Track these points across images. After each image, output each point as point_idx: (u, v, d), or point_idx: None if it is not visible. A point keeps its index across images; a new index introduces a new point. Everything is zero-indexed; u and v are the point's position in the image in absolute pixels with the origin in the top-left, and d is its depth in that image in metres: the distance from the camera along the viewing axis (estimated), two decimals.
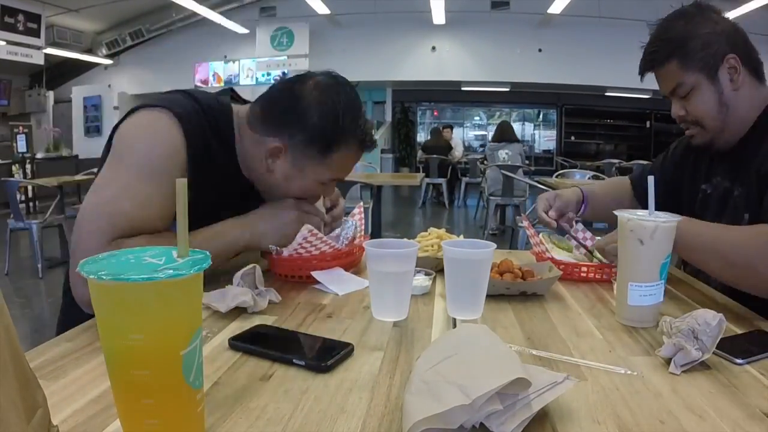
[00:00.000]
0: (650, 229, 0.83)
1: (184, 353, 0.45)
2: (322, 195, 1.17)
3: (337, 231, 1.16)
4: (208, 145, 1.02)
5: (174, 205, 0.97)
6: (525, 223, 1.31)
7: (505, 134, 6.65)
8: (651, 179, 0.93)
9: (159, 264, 0.47)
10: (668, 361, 0.69)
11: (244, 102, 1.20)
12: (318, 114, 1.02)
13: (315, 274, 1.05)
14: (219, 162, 1.05)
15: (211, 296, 0.91)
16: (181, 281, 0.45)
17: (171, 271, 0.45)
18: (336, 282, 1.04)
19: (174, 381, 0.46)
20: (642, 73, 1.18)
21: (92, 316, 0.85)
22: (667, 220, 0.84)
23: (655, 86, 1.16)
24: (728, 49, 1.07)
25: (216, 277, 1.05)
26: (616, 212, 0.90)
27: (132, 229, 0.91)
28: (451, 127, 10.98)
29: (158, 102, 1.01)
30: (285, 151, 1.05)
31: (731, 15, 1.12)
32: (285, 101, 1.05)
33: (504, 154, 6.29)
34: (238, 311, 0.89)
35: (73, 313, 0.97)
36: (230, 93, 1.19)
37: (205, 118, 1.03)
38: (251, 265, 0.96)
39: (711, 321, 0.68)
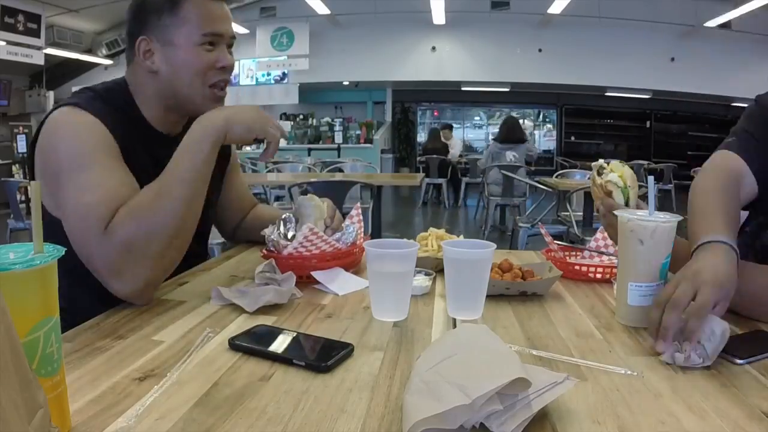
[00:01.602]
0: (650, 229, 0.83)
1: (23, 342, 0.46)
2: (219, 64, 1.09)
3: (338, 235, 1.15)
4: (119, 121, 1.05)
5: (126, 170, 0.97)
6: (542, 231, 1.28)
7: (512, 134, 6.31)
8: (651, 179, 0.92)
9: (8, 258, 0.48)
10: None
11: None
12: None
13: (315, 274, 1.05)
14: (134, 133, 1.08)
15: (232, 293, 0.92)
16: (11, 275, 0.46)
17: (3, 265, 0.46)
18: (336, 282, 1.04)
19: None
20: None
21: (90, 317, 0.86)
22: (667, 220, 0.84)
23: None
24: None
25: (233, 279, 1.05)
26: (616, 212, 0.90)
27: (109, 211, 0.91)
28: (450, 127, 10.99)
29: (59, 104, 1.04)
30: (150, 41, 1.07)
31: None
32: (127, 16, 1.11)
33: (511, 156, 6.13)
34: (239, 311, 0.89)
35: (73, 313, 0.97)
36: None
37: (103, 101, 1.06)
38: (266, 263, 1.01)
39: (716, 329, 0.68)
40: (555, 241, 1.23)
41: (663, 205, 0.94)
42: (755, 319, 0.88)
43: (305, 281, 1.06)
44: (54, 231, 0.96)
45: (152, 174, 0.97)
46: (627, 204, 1.01)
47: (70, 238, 0.94)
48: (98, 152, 0.98)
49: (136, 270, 0.90)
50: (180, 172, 0.95)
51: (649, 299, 0.85)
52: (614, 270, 1.08)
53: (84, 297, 0.97)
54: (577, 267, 1.13)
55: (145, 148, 1.10)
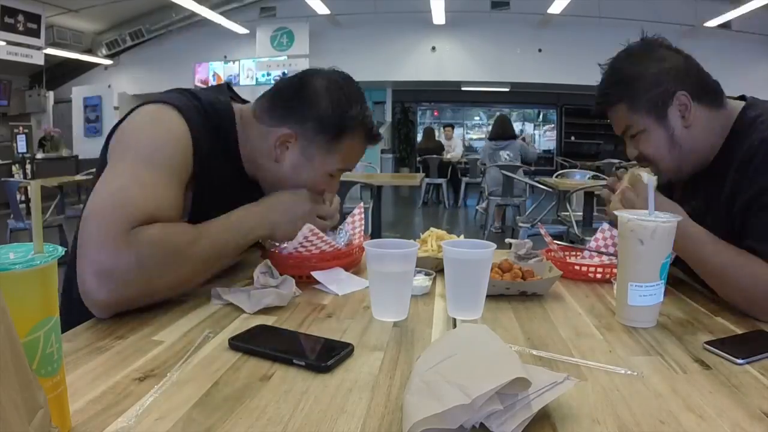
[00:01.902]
0: (650, 229, 0.83)
1: (24, 342, 0.45)
2: (325, 191, 1.14)
3: (330, 238, 1.14)
4: (210, 142, 1.02)
5: (182, 195, 0.97)
6: (542, 231, 1.28)
7: (503, 130, 6.50)
8: (651, 180, 0.92)
9: (8, 258, 0.48)
10: None
11: (242, 100, 1.19)
12: (327, 101, 1.06)
13: (315, 274, 1.05)
14: (220, 161, 1.05)
15: (231, 295, 0.92)
16: (11, 275, 0.46)
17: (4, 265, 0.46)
18: (336, 282, 1.04)
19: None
20: (596, 115, 1.16)
21: (92, 315, 0.86)
22: (667, 220, 0.84)
23: None
24: (678, 87, 1.03)
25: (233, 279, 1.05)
26: (615, 212, 0.90)
27: (144, 216, 0.86)
28: (452, 126, 11.00)
29: (159, 98, 1.01)
30: (295, 140, 1.06)
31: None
32: (294, 91, 1.09)
33: (506, 155, 6.23)
34: (239, 311, 0.89)
35: (73, 314, 0.97)
36: (227, 90, 1.17)
37: (205, 116, 1.03)
38: (263, 263, 1.00)
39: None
40: (555, 242, 1.23)
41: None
42: (749, 315, 0.88)
43: (305, 281, 1.06)
44: None
45: (217, 196, 0.99)
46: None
47: (85, 213, 0.88)
48: (168, 165, 0.94)
49: (127, 284, 0.83)
50: (215, 240, 0.96)
51: (649, 299, 0.85)
52: (614, 270, 1.09)
53: None
54: (576, 267, 1.13)
55: (223, 175, 1.06)
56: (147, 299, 0.89)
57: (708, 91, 1.07)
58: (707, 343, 0.76)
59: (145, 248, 0.85)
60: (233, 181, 1.10)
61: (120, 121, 1.02)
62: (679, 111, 1.04)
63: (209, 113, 1.04)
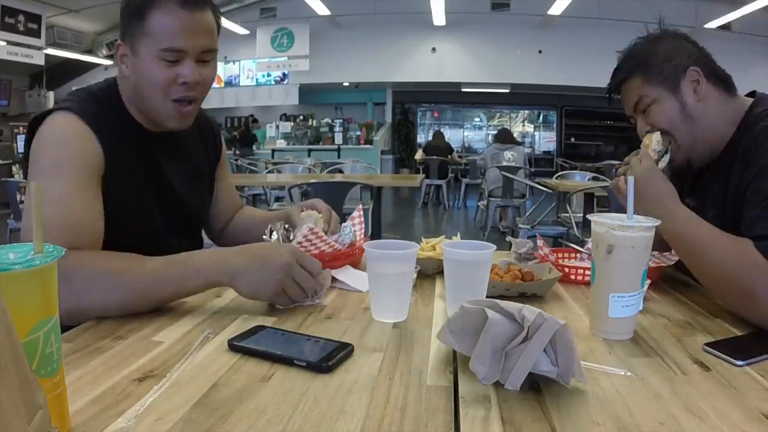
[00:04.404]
0: (629, 236, 0.78)
1: (23, 342, 0.45)
2: (180, 79, 1.04)
3: (335, 236, 1.16)
4: (111, 126, 1.05)
5: (98, 189, 0.98)
6: (540, 243, 1.23)
7: (507, 138, 6.80)
8: (631, 180, 0.87)
9: (8, 258, 0.48)
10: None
11: None
12: None
13: (334, 273, 1.05)
14: (125, 134, 1.08)
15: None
16: (11, 275, 0.46)
17: (3, 265, 0.46)
18: (354, 280, 1.06)
19: None
20: (609, 93, 1.20)
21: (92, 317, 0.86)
22: (646, 226, 0.79)
23: None
24: (690, 63, 1.07)
25: None
26: (589, 216, 0.85)
27: (62, 234, 0.85)
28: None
29: (57, 107, 1.04)
30: (123, 45, 1.07)
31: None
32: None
33: (510, 155, 6.33)
34: (239, 311, 0.89)
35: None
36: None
37: (98, 102, 1.07)
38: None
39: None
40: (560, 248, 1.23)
41: None
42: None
43: None
44: None
45: (142, 171, 0.96)
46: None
47: None
48: (74, 166, 0.98)
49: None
50: (153, 279, 0.88)
51: (631, 309, 0.80)
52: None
53: None
54: (566, 269, 1.12)
55: (133, 148, 1.10)
56: (79, 317, 0.86)
57: (719, 77, 1.09)
58: (707, 344, 0.76)
59: (74, 268, 0.84)
60: (140, 145, 1.11)
61: (29, 139, 1.03)
62: (692, 85, 1.07)
63: (100, 97, 1.08)
